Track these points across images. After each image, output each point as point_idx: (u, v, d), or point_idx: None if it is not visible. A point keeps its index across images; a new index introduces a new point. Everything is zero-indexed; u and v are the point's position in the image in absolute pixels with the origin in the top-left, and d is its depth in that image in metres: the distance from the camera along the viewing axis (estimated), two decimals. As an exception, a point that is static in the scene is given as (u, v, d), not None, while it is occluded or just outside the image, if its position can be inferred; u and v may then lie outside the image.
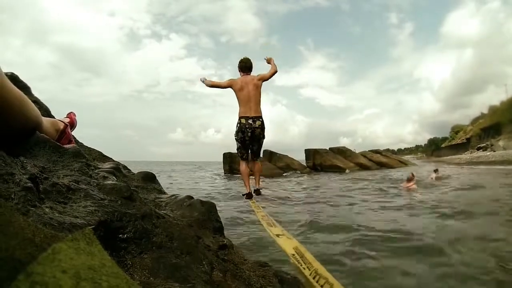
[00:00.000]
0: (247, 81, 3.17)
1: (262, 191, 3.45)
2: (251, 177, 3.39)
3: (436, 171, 10.35)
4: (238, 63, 3.36)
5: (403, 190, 7.03)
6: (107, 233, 0.71)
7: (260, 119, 3.15)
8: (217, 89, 3.33)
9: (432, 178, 9.72)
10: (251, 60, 3.34)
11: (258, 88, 3.19)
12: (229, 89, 3.20)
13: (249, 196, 3.26)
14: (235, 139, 3.27)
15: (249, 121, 3.11)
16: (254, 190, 3.35)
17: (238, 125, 3.17)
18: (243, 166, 3.34)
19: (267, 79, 3.30)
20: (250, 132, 3.11)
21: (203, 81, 3.33)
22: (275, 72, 3.35)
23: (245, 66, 3.29)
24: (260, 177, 3.50)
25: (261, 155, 3.56)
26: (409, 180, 7.34)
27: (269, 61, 3.43)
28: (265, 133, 3.23)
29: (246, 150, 3.24)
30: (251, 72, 3.29)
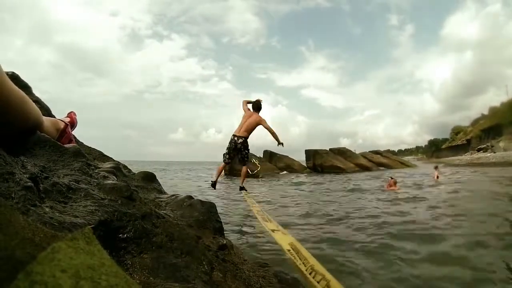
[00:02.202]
0: (251, 115, 4.68)
1: (244, 189, 4.73)
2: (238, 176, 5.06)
3: (436, 168, 10.52)
4: (254, 102, 4.83)
5: (387, 191, 7.41)
6: (107, 232, 0.71)
7: (243, 139, 4.60)
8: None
9: (435, 177, 9.72)
10: (261, 104, 4.82)
11: (253, 123, 4.64)
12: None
13: (213, 185, 4.93)
14: (227, 147, 4.71)
15: (235, 138, 4.61)
16: (240, 187, 4.75)
17: (230, 140, 4.68)
18: (221, 165, 4.86)
19: (264, 127, 4.69)
20: (234, 145, 4.59)
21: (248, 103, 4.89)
22: (272, 133, 4.72)
23: (256, 107, 4.78)
24: (246, 178, 4.92)
25: (256, 159, 5.60)
26: (394, 183, 7.72)
27: (280, 143, 4.79)
28: (248, 149, 4.67)
29: (229, 156, 4.67)
30: (259, 112, 4.76)
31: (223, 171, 4.79)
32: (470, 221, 3.67)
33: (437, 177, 9.76)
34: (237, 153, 4.62)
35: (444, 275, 2.06)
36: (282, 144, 4.77)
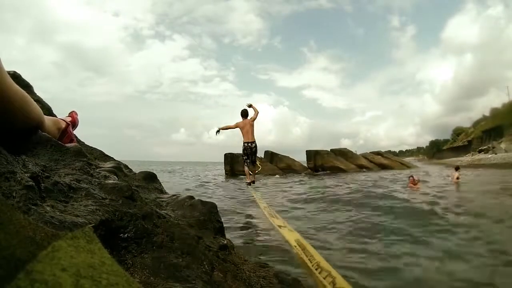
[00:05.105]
0: (246, 123, 5.78)
1: (254, 183, 6.07)
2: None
3: (457, 169, 9.42)
4: (240, 112, 5.88)
5: (409, 189, 7.20)
6: (108, 232, 0.70)
7: (254, 143, 5.78)
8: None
9: (456, 177, 8.91)
10: (247, 110, 5.87)
11: (252, 126, 5.78)
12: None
13: (249, 184, 5.90)
14: (242, 154, 5.94)
15: (248, 144, 5.75)
16: (246, 183, 6.01)
17: (243, 147, 5.82)
18: (246, 168, 6.03)
19: (255, 119, 5.82)
20: (249, 150, 5.76)
21: (218, 131, 5.88)
22: (257, 113, 5.80)
23: (244, 114, 5.86)
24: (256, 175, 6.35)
25: (258, 159, 6.28)
26: (416, 182, 7.55)
27: (250, 105, 5.86)
28: (257, 146, 5.85)
29: (248, 158, 5.83)
30: (247, 116, 5.82)
31: (249, 170, 6.01)
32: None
33: (458, 178, 8.88)
34: (252, 154, 5.81)
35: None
36: (250, 105, 5.82)
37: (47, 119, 0.96)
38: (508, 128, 32.89)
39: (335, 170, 18.25)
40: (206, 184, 11.02)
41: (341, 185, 9.71)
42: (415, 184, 7.42)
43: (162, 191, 1.53)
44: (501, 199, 5.75)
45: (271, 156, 19.16)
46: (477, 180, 10.61)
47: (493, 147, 31.41)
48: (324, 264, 0.61)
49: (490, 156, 27.55)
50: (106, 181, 0.90)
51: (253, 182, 5.86)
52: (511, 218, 3.98)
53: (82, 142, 1.66)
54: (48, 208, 0.60)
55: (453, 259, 2.46)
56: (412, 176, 7.81)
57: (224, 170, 18.48)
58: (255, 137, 5.79)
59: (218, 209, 1.39)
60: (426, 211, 4.59)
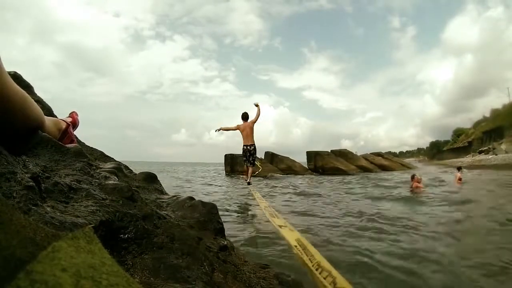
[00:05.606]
0: (246, 126, 6.20)
1: (251, 184, 6.55)
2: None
3: (459, 169, 9.01)
4: (241, 115, 6.35)
5: (412, 189, 6.97)
6: (108, 233, 0.70)
7: (253, 146, 6.20)
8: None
9: (458, 178, 8.52)
10: (248, 113, 6.38)
11: (251, 129, 6.22)
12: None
13: (248, 183, 6.38)
14: (242, 155, 6.42)
15: (247, 147, 6.19)
16: (247, 182, 6.45)
17: (243, 149, 6.26)
18: (246, 168, 6.53)
19: (256, 121, 6.25)
20: (248, 152, 6.19)
21: (218, 130, 6.30)
22: (259, 115, 6.23)
23: (245, 117, 6.28)
24: (253, 176, 6.89)
25: (258, 160, 7.02)
26: (419, 181, 7.23)
27: (256, 105, 6.25)
28: (256, 148, 6.35)
29: (247, 160, 6.30)
30: (248, 119, 6.25)
31: (249, 170, 6.45)
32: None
33: (460, 179, 8.48)
34: (250, 156, 6.22)
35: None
36: (257, 104, 6.26)
37: (47, 119, 0.97)
38: (509, 129, 32.90)
39: (336, 171, 18.22)
40: (207, 183, 11.00)
41: (342, 184, 9.71)
42: (419, 183, 7.07)
43: (162, 192, 1.53)
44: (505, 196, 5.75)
45: (271, 157, 19.15)
46: (480, 180, 10.57)
47: (494, 148, 31.37)
48: (325, 264, 0.61)
49: (490, 157, 27.51)
50: (107, 182, 0.90)
51: (249, 182, 6.38)
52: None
53: (83, 142, 1.66)
54: (48, 209, 0.60)
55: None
56: (415, 175, 7.48)
57: (224, 171, 18.47)
58: (254, 140, 6.23)
59: (218, 210, 1.39)
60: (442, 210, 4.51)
